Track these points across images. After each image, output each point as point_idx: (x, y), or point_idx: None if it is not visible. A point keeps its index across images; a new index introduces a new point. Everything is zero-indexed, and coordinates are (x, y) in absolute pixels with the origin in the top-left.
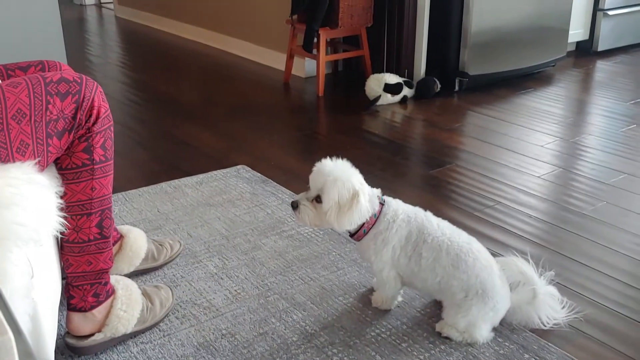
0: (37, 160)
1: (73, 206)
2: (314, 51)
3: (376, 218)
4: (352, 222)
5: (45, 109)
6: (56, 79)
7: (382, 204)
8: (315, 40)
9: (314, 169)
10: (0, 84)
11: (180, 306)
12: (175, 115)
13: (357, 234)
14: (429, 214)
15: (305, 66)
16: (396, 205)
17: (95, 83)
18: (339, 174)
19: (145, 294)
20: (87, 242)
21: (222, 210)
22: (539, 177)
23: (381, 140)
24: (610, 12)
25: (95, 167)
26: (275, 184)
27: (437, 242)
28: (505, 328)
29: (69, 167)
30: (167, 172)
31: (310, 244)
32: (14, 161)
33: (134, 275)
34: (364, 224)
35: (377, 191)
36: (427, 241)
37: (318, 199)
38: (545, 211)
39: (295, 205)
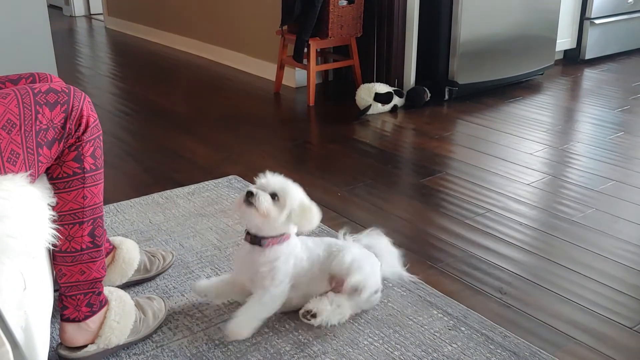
0: (29, 172)
1: (65, 215)
2: (305, 61)
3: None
4: (312, 224)
5: (35, 118)
6: (44, 90)
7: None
8: (306, 50)
9: (267, 174)
10: None
11: (173, 317)
12: (167, 126)
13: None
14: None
15: (295, 76)
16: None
17: (83, 93)
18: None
19: (138, 305)
20: (80, 251)
21: (214, 220)
22: (528, 184)
23: (372, 149)
24: (597, 21)
25: (86, 175)
26: None
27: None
28: (497, 335)
29: (60, 176)
30: (158, 183)
31: None
32: (5, 171)
33: (126, 286)
34: (283, 234)
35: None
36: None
37: (273, 197)
38: (535, 218)
39: (250, 194)
